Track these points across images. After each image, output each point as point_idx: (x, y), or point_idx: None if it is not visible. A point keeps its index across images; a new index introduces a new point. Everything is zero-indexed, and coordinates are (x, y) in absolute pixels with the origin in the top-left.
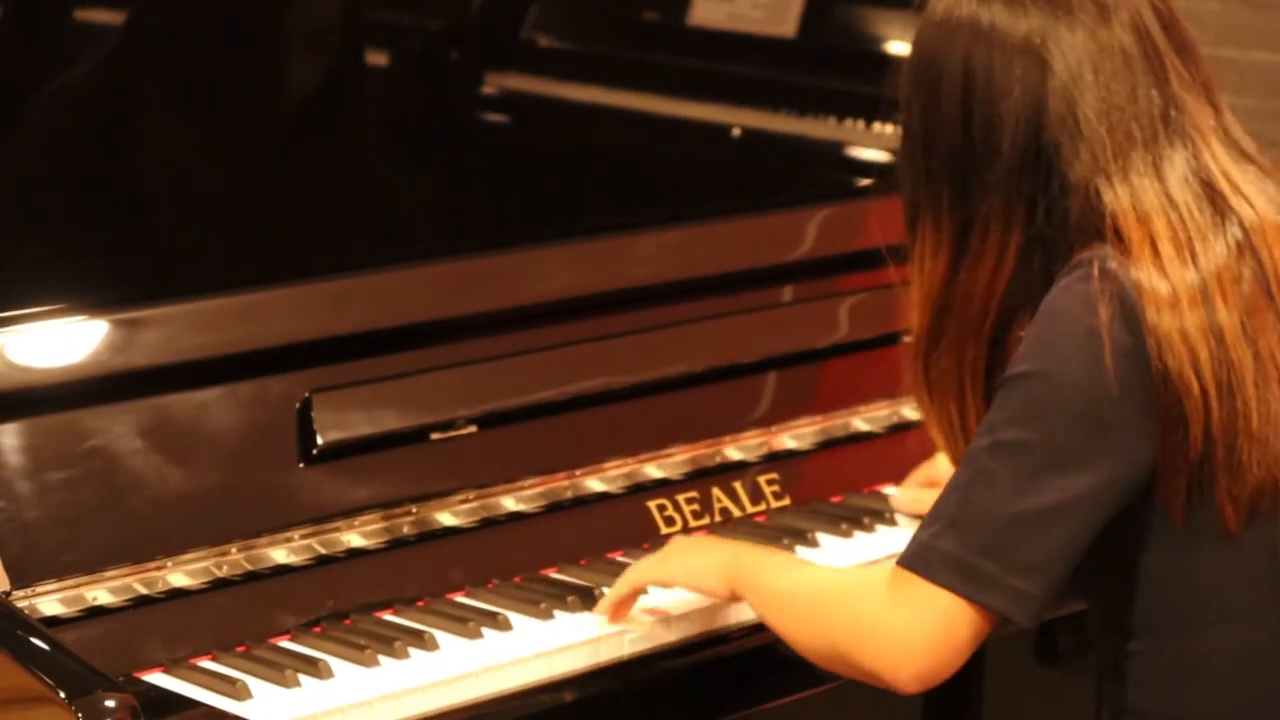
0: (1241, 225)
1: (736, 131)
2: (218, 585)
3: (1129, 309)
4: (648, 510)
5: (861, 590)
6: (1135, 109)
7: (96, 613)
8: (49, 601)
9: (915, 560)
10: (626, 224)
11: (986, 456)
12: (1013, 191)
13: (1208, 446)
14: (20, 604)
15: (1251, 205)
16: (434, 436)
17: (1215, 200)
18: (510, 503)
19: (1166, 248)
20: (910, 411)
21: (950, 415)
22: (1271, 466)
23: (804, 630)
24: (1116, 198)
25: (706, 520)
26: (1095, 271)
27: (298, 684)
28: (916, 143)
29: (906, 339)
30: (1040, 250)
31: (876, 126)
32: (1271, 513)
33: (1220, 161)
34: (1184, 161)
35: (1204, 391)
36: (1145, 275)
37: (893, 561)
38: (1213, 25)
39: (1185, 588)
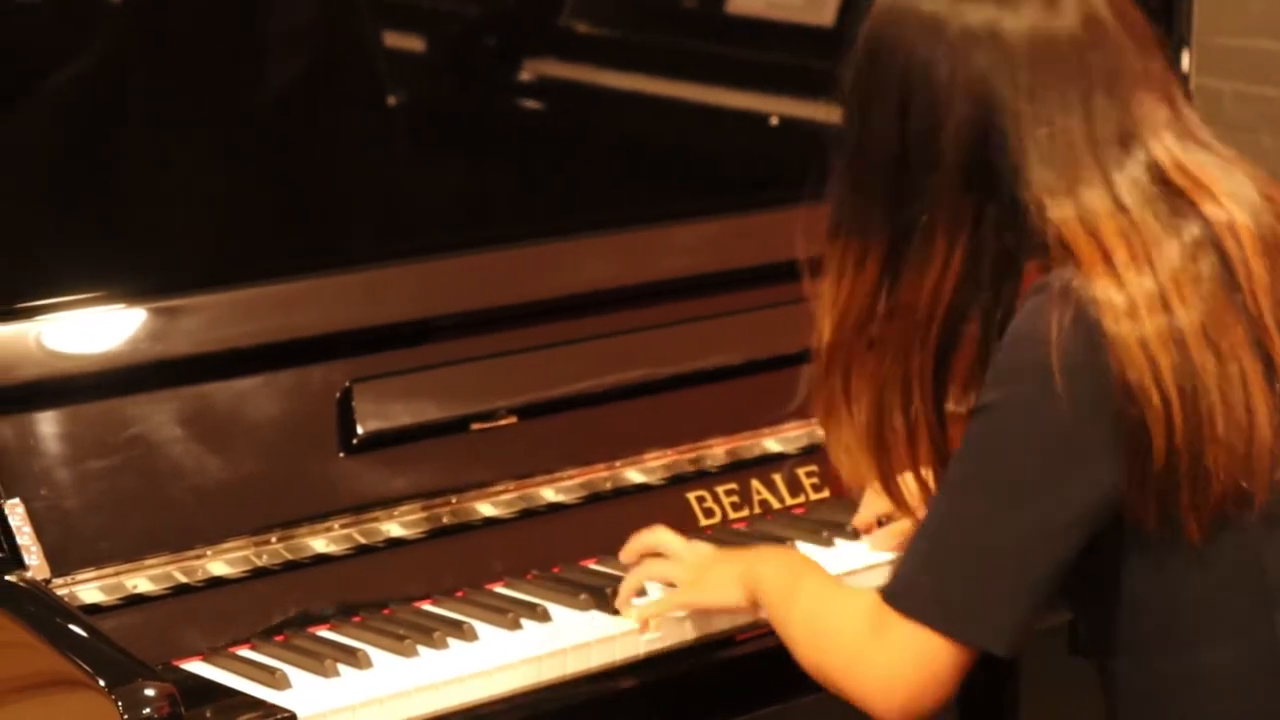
0: (1203, 220)
1: (774, 121)
2: (257, 574)
3: (1088, 326)
4: (687, 502)
5: (849, 622)
6: (1084, 113)
7: (136, 601)
8: (89, 589)
9: (895, 596)
10: (665, 214)
11: (958, 489)
12: (959, 201)
13: (1172, 458)
14: (60, 592)
15: (1215, 199)
16: (474, 427)
17: (1171, 200)
18: (550, 493)
19: (1120, 256)
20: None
21: (895, 424)
22: (1235, 473)
23: (801, 653)
24: (1064, 211)
25: (745, 512)
26: (1055, 294)
27: (337, 674)
28: (849, 146)
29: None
30: (990, 257)
31: None
32: (1240, 524)
33: (1177, 156)
34: (1136, 163)
35: (1165, 401)
36: (1102, 289)
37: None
38: (1253, 14)
39: (1166, 606)
